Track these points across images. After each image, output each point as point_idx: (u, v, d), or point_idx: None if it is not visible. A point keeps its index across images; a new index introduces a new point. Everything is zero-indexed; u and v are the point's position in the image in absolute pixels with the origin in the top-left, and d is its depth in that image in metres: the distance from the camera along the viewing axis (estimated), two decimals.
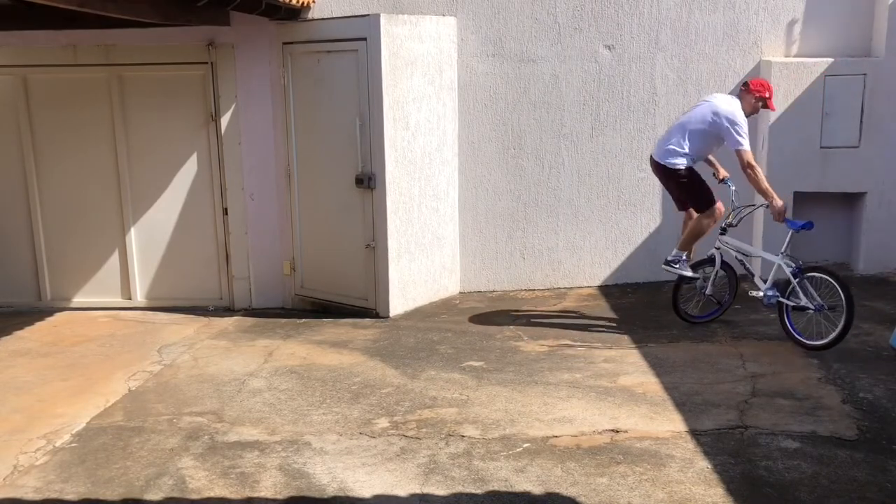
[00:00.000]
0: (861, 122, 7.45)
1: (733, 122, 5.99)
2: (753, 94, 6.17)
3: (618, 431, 4.76)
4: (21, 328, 7.33)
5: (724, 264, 6.48)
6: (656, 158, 6.33)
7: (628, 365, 5.82)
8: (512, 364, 5.93)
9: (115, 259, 7.92)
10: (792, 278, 5.87)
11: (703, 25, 7.51)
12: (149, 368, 6.21)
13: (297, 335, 6.89)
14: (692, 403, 5.09)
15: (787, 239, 6.04)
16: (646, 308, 7.16)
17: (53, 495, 4.33)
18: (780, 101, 7.38)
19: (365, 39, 6.86)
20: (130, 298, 7.94)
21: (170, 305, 7.85)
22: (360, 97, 6.99)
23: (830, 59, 7.41)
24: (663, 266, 6.46)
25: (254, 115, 7.57)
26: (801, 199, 7.58)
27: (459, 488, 4.20)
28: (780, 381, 5.38)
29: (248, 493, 4.26)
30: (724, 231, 6.35)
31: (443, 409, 5.18)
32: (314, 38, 7.23)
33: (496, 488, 4.19)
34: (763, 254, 6.43)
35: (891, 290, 7.24)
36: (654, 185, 7.75)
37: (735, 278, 6.58)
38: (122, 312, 7.79)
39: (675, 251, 6.43)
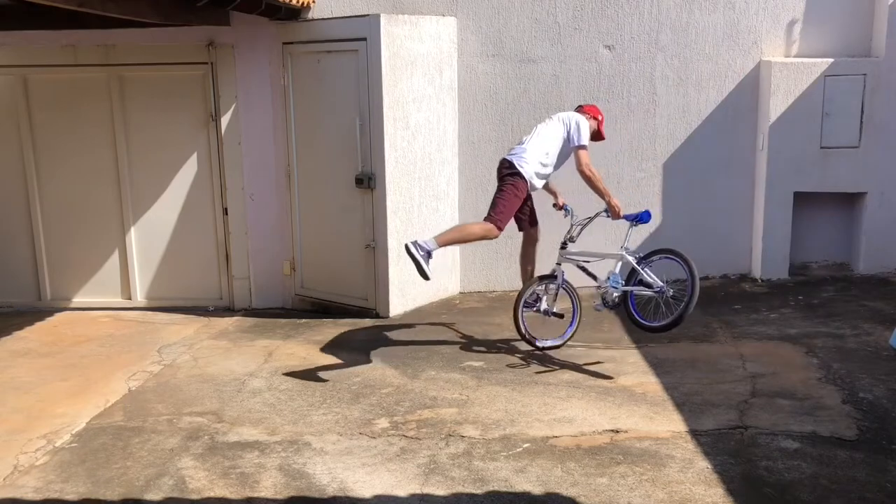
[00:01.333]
0: (861, 122, 7.45)
1: (579, 122, 5.91)
2: (587, 114, 6.08)
3: (618, 431, 4.76)
4: (21, 328, 7.33)
5: (566, 282, 6.17)
6: (510, 159, 5.91)
7: (628, 365, 5.82)
8: (512, 364, 5.93)
9: (115, 259, 7.92)
10: (636, 265, 5.79)
11: (703, 25, 7.51)
12: (149, 368, 6.21)
13: (297, 335, 6.89)
14: (692, 403, 5.09)
15: (627, 233, 5.99)
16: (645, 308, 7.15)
17: (53, 495, 4.33)
18: (780, 101, 7.39)
19: (365, 39, 6.86)
20: (130, 298, 7.94)
21: (170, 305, 7.85)
22: (360, 97, 6.99)
23: (830, 59, 7.41)
24: (406, 244, 5.56)
25: (254, 116, 7.57)
26: (801, 199, 7.59)
27: (459, 488, 4.20)
28: (780, 381, 5.38)
29: (248, 494, 4.26)
30: (564, 245, 6.13)
31: (443, 409, 5.18)
32: (314, 39, 7.23)
33: (496, 488, 4.19)
34: (605, 253, 6.19)
35: (891, 290, 7.24)
36: (655, 185, 7.76)
37: (578, 300, 6.26)
38: (122, 312, 7.79)
39: (431, 240, 5.62)
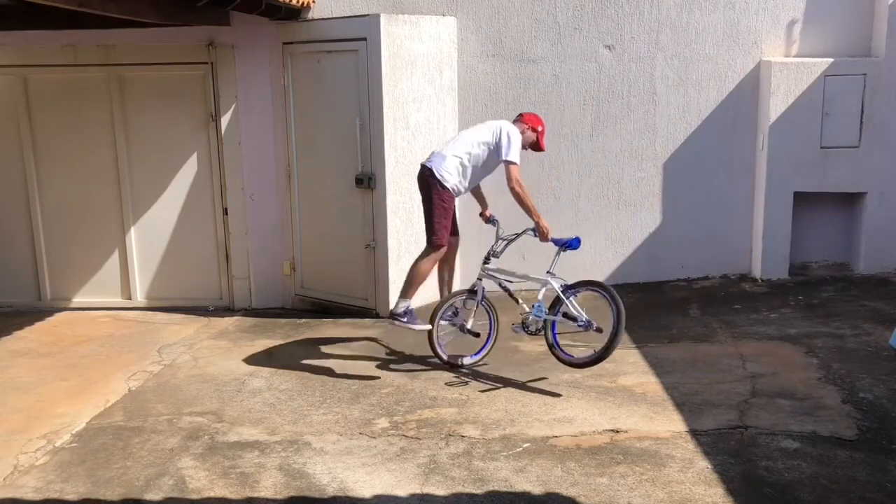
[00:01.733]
0: (861, 122, 7.45)
1: (510, 134, 5.63)
2: (526, 124, 5.83)
3: (618, 431, 4.76)
4: (21, 328, 7.33)
5: (485, 298, 5.90)
6: (430, 166, 5.67)
7: (628, 365, 5.82)
8: (512, 364, 5.93)
9: (115, 259, 7.92)
10: (561, 294, 5.51)
11: (703, 25, 7.51)
12: (149, 368, 6.21)
13: (298, 335, 6.89)
14: (692, 403, 5.09)
15: (554, 258, 5.69)
16: (646, 308, 7.16)
17: (53, 495, 4.33)
18: (780, 101, 7.39)
19: (365, 39, 6.86)
20: (130, 298, 7.94)
21: (170, 305, 7.85)
22: (360, 97, 6.99)
23: (830, 59, 7.41)
24: (391, 321, 5.79)
25: (254, 116, 7.57)
26: (801, 199, 7.59)
27: (459, 488, 4.20)
28: (780, 381, 5.38)
29: (248, 493, 4.26)
30: (487, 260, 5.84)
31: (443, 409, 5.18)
32: (314, 39, 7.23)
33: (496, 488, 4.19)
34: (529, 275, 5.80)
35: (891, 290, 7.24)
36: (655, 185, 7.76)
37: (496, 316, 6.01)
38: (122, 312, 7.79)
39: (399, 301, 5.75)
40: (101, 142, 7.72)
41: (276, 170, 7.66)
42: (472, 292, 5.87)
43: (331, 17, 7.33)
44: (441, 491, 4.19)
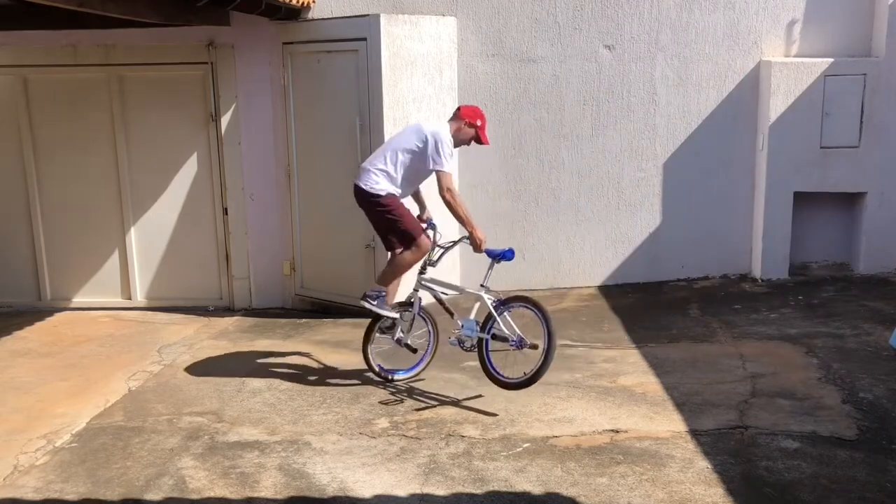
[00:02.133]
0: (861, 122, 7.45)
1: (438, 141, 5.31)
2: (463, 120, 5.48)
3: (618, 431, 4.76)
4: (21, 328, 7.32)
5: (423, 310, 5.66)
6: (359, 183, 5.42)
7: (628, 365, 5.82)
8: (512, 364, 5.92)
9: (115, 259, 7.92)
10: (493, 311, 5.24)
11: (703, 25, 7.51)
12: (149, 368, 6.21)
13: (298, 335, 6.89)
14: (692, 403, 5.09)
15: (488, 271, 5.40)
16: (646, 308, 7.16)
17: (53, 495, 4.33)
18: (780, 101, 7.39)
19: (365, 39, 6.86)
20: (130, 298, 7.94)
21: (170, 305, 7.85)
22: (360, 97, 6.98)
23: (830, 59, 7.41)
24: (360, 301, 5.55)
25: (254, 115, 7.57)
26: (801, 199, 7.59)
27: (459, 488, 4.20)
28: (780, 381, 5.38)
29: (248, 493, 4.26)
30: (423, 269, 5.57)
31: (443, 409, 5.18)
32: (314, 38, 7.23)
33: (496, 488, 4.19)
34: (463, 288, 5.68)
35: (891, 290, 7.24)
36: (655, 185, 7.76)
37: (436, 330, 5.75)
38: (122, 312, 7.79)
39: (374, 285, 5.62)
40: (102, 142, 7.72)
41: (276, 170, 7.66)
42: (408, 304, 5.60)
43: (331, 17, 7.33)
44: (441, 491, 4.19)
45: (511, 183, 7.74)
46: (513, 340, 5.14)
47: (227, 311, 7.80)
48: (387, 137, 6.92)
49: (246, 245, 7.78)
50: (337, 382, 5.72)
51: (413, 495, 4.17)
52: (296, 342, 6.70)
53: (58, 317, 7.74)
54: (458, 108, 5.63)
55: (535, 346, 5.08)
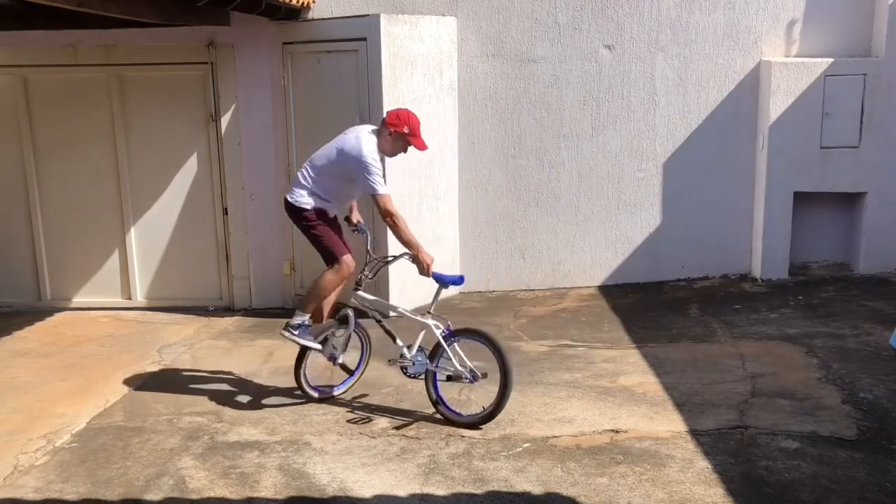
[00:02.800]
0: (861, 122, 7.45)
1: (361, 162, 4.93)
2: (389, 129, 5.05)
3: (618, 431, 4.76)
4: (21, 328, 7.33)
5: (358, 325, 5.35)
6: (287, 196, 5.22)
7: (628, 365, 5.82)
8: (512, 364, 5.92)
9: (115, 259, 7.92)
10: (443, 341, 4.93)
11: (703, 25, 7.51)
12: (149, 368, 6.21)
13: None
14: (692, 403, 5.09)
15: (435, 297, 5.08)
16: (646, 308, 7.16)
17: (53, 495, 4.33)
18: (780, 101, 7.39)
19: (365, 39, 6.86)
20: (130, 298, 7.94)
21: (170, 305, 7.85)
22: (360, 97, 6.98)
23: (830, 59, 7.41)
24: (281, 331, 5.26)
25: (254, 115, 7.57)
26: (801, 199, 7.59)
27: (459, 488, 4.20)
28: (780, 381, 5.38)
29: (248, 493, 4.26)
30: (358, 285, 5.21)
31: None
32: (314, 38, 7.23)
33: (496, 488, 4.19)
34: (408, 313, 5.20)
35: (891, 290, 7.24)
36: (654, 184, 7.76)
37: (368, 341, 5.52)
38: (122, 312, 7.79)
39: (297, 313, 5.28)
40: (102, 142, 7.72)
41: (276, 170, 7.66)
42: (344, 321, 5.26)
43: (331, 17, 7.34)
44: (441, 491, 4.19)
45: (511, 183, 7.74)
46: (466, 377, 4.90)
47: (227, 310, 7.80)
48: None
49: (246, 245, 7.78)
50: None
51: (413, 495, 4.17)
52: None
53: (58, 317, 7.74)
54: (385, 116, 5.19)
55: (485, 375, 4.87)
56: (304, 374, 5.31)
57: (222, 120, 7.57)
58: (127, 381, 5.94)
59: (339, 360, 5.33)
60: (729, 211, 7.80)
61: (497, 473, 4.34)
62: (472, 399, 5.11)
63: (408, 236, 4.95)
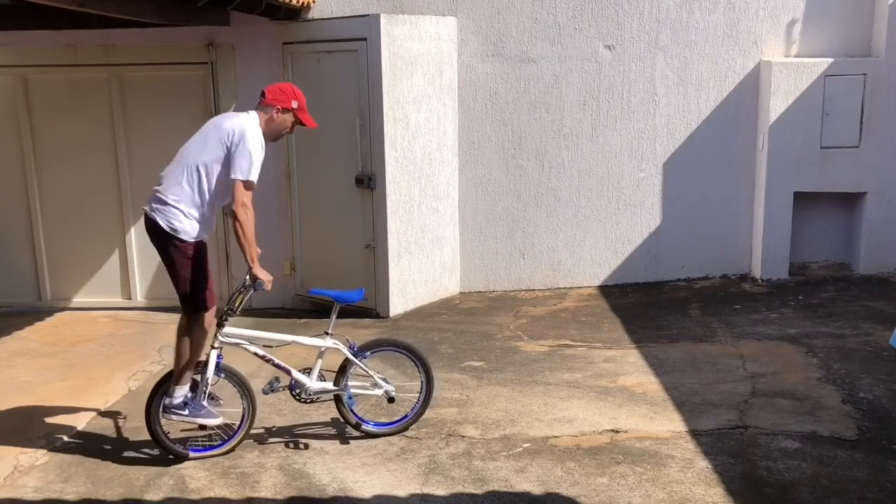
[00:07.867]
0: (861, 122, 7.46)
1: (243, 141, 4.25)
2: (273, 107, 4.44)
3: (618, 431, 4.76)
4: (21, 328, 7.32)
5: (226, 369, 4.67)
6: (154, 216, 4.40)
7: (628, 365, 5.82)
8: (512, 364, 5.93)
9: (115, 259, 7.92)
10: (353, 358, 4.65)
11: (703, 25, 7.51)
12: (149, 368, 6.21)
13: (297, 335, 6.87)
14: (692, 403, 5.09)
15: (332, 315, 4.68)
16: (646, 308, 7.16)
17: (53, 495, 4.33)
18: (780, 101, 7.39)
19: (365, 39, 6.86)
20: (130, 298, 7.94)
21: (170, 305, 7.77)
22: (360, 97, 6.99)
23: (830, 59, 7.41)
24: (163, 415, 4.49)
25: None
26: (801, 199, 7.59)
27: (459, 488, 4.20)
28: (780, 381, 5.39)
29: (248, 493, 4.27)
30: (222, 322, 4.54)
31: (443, 409, 5.18)
32: (314, 38, 7.23)
33: (496, 488, 4.19)
34: (298, 338, 4.76)
35: (891, 290, 7.24)
36: (655, 185, 7.76)
37: (243, 383, 4.76)
38: (122, 312, 7.79)
39: (172, 389, 4.49)
40: (102, 142, 7.71)
41: (276, 170, 7.65)
42: (203, 366, 4.57)
43: (331, 17, 7.34)
44: (441, 491, 4.19)
45: (511, 183, 7.74)
46: (385, 394, 4.80)
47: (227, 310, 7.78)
48: (387, 137, 6.94)
49: None
50: None
51: (413, 495, 4.17)
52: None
53: (58, 317, 7.74)
54: (263, 93, 4.50)
55: (392, 401, 4.77)
56: (160, 416, 4.52)
57: None
58: (127, 381, 5.94)
59: (217, 421, 4.63)
60: (729, 211, 7.80)
61: (497, 473, 4.34)
62: (393, 407, 4.94)
63: (246, 242, 4.29)
